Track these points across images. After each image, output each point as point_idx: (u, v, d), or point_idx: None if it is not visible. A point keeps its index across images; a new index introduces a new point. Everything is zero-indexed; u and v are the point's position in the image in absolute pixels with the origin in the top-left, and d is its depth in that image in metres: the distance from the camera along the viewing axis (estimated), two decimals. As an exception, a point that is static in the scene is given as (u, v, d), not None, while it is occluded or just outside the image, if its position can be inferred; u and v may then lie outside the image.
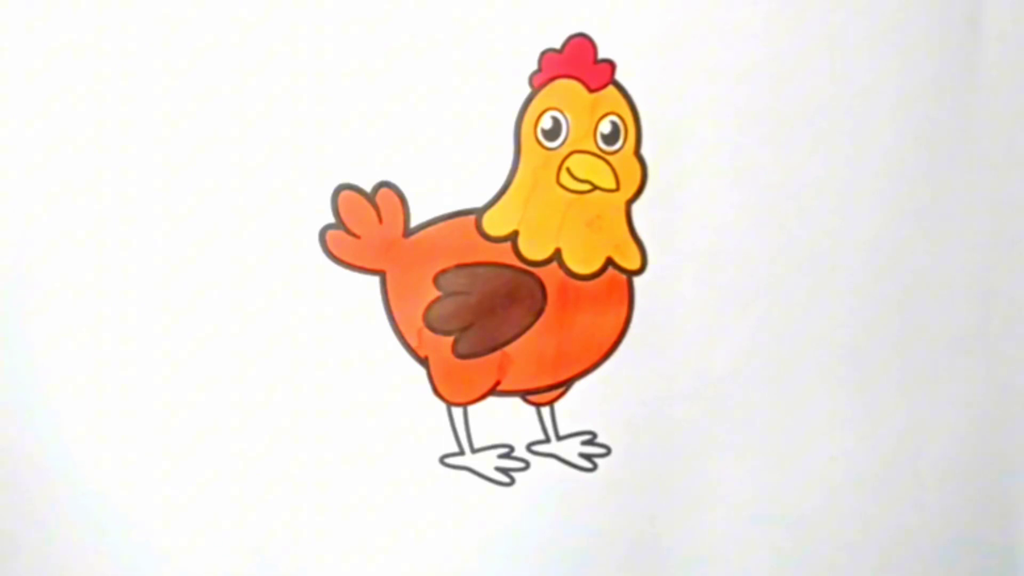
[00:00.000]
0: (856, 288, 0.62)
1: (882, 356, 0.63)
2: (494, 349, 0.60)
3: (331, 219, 0.59)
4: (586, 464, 0.62)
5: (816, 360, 0.63)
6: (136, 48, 0.57)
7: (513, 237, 0.59)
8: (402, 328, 0.60)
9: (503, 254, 0.59)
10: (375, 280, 0.60)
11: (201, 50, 0.57)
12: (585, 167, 0.59)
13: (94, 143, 0.58)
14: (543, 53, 0.58)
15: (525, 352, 0.60)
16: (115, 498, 0.62)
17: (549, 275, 0.60)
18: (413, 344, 0.60)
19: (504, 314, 0.60)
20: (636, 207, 0.60)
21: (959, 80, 0.61)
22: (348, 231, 0.59)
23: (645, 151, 0.59)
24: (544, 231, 0.59)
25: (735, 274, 0.61)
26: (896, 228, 0.62)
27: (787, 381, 0.63)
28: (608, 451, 0.62)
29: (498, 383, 0.61)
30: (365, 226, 0.59)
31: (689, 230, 0.60)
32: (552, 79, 0.58)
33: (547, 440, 0.62)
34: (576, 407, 0.62)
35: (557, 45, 0.58)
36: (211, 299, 0.59)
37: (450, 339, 0.60)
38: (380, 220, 0.59)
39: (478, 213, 0.59)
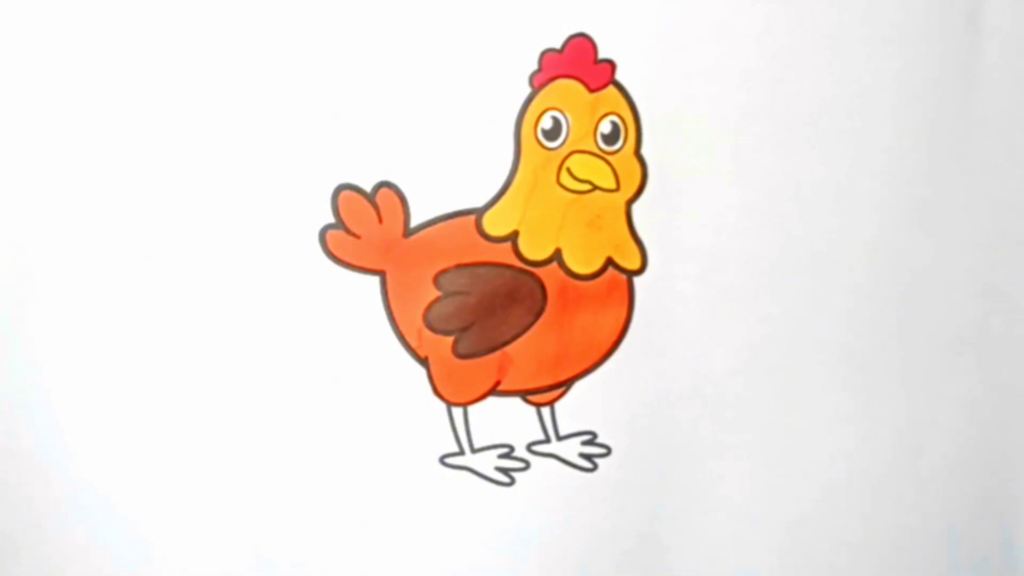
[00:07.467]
0: (856, 288, 0.62)
1: (882, 356, 0.63)
2: (494, 349, 0.60)
3: (331, 219, 0.59)
4: (586, 464, 0.62)
5: (816, 360, 0.62)
6: (135, 47, 0.57)
7: (513, 237, 0.59)
8: (402, 328, 0.60)
9: (503, 254, 0.59)
10: (375, 280, 0.60)
11: (200, 49, 0.57)
12: (585, 167, 0.59)
13: (93, 142, 0.58)
14: (543, 53, 0.58)
15: (525, 352, 0.60)
16: (115, 498, 0.62)
17: (549, 275, 0.60)
18: (413, 344, 0.60)
19: (504, 314, 0.60)
20: (636, 207, 0.60)
21: (959, 80, 0.61)
22: (348, 231, 0.59)
23: (645, 151, 0.59)
24: (544, 231, 0.59)
25: (735, 274, 0.61)
26: (896, 228, 0.62)
27: (787, 381, 0.63)
28: (608, 451, 0.62)
29: (498, 383, 0.61)
30: (365, 226, 0.59)
31: (689, 230, 0.60)
32: (552, 79, 0.58)
33: (547, 440, 0.62)
34: (576, 407, 0.61)
35: (557, 45, 0.58)
36: (210, 299, 0.59)
37: (450, 339, 0.60)
38: (380, 220, 0.59)
39: (478, 213, 0.59)
